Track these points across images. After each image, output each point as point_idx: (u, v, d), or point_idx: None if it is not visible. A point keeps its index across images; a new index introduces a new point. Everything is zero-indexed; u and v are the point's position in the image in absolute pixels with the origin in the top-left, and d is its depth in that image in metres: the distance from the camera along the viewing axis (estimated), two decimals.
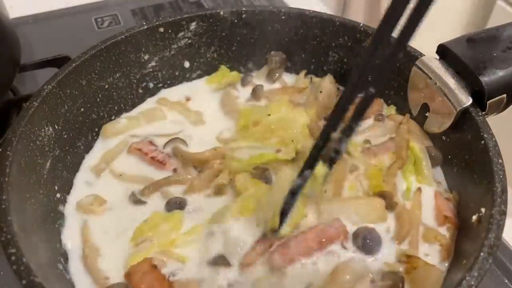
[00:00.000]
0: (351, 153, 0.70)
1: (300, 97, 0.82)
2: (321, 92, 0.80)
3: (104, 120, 0.79)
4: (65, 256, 0.64)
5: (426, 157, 0.71)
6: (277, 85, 0.86)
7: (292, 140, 0.71)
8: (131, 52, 0.78)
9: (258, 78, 0.87)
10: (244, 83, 0.85)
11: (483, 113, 0.64)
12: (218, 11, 0.81)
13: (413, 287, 0.59)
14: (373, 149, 0.73)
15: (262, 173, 0.68)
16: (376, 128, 0.77)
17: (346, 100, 0.51)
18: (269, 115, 0.75)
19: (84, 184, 0.72)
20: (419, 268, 0.59)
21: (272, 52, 0.85)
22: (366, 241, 0.62)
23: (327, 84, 0.82)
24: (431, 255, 0.63)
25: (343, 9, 1.88)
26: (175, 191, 0.69)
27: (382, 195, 0.66)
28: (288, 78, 0.87)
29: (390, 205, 0.66)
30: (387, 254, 0.62)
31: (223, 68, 0.86)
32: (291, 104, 0.78)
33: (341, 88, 0.83)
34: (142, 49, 0.79)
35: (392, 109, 0.79)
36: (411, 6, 0.44)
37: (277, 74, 0.85)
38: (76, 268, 0.62)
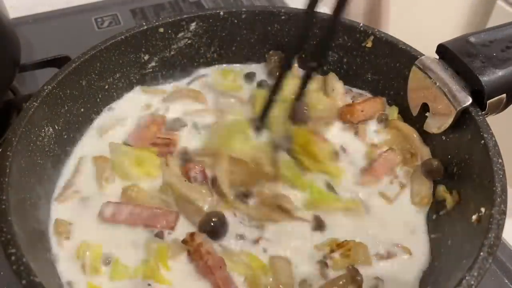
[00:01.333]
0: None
1: None
2: (333, 90, 0.81)
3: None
4: None
5: None
6: None
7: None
8: (131, 53, 0.78)
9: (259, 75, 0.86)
10: (248, 80, 0.85)
11: (483, 113, 0.64)
12: (218, 11, 0.81)
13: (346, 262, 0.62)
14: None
15: None
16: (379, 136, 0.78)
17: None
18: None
19: None
20: (353, 248, 0.63)
21: (271, 52, 0.85)
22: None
23: (335, 82, 0.82)
24: None
25: None
26: None
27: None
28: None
29: None
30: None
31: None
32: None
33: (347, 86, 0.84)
34: (142, 49, 0.79)
35: (394, 111, 0.79)
36: None
37: (277, 73, 0.85)
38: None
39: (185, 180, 0.68)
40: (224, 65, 0.87)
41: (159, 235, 0.64)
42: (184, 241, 0.61)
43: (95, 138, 0.76)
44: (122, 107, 0.80)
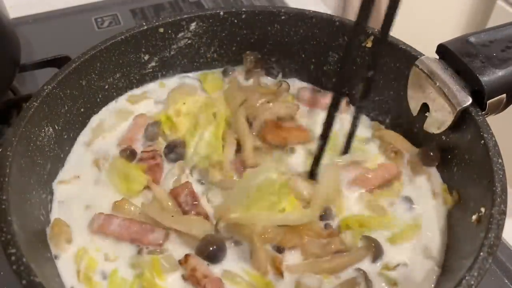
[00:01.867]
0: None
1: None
2: None
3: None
4: None
5: None
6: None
7: None
8: (131, 53, 0.78)
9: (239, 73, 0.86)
10: (225, 75, 0.85)
11: (483, 113, 0.64)
12: (218, 11, 0.81)
13: None
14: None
15: None
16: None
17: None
18: None
19: None
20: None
21: (247, 52, 0.85)
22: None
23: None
24: None
25: (343, 9, 1.88)
26: None
27: None
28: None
29: None
30: None
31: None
32: None
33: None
34: (142, 50, 0.79)
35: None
36: None
37: (254, 75, 0.84)
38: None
39: (176, 209, 0.64)
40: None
41: (141, 252, 0.61)
42: (180, 262, 0.60)
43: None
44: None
